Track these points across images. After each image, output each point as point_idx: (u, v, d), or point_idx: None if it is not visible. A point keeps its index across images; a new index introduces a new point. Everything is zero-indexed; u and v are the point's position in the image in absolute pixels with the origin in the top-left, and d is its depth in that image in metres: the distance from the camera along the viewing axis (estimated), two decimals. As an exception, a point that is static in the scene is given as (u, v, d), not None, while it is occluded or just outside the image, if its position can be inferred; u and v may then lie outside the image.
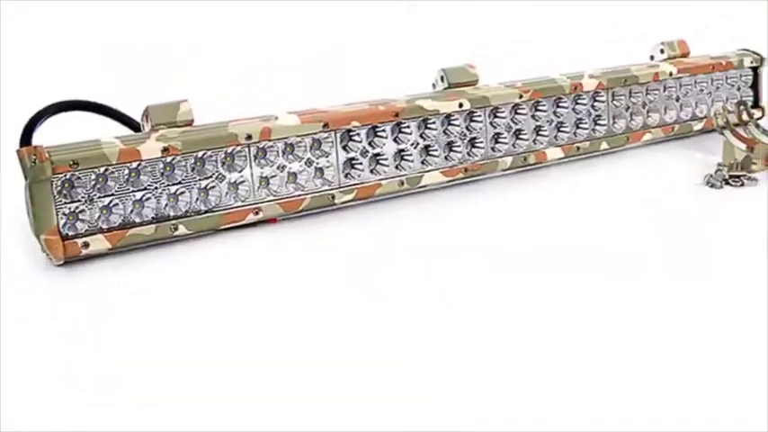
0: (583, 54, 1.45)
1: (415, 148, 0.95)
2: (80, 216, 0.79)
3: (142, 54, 1.53)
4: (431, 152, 0.97)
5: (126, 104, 0.96)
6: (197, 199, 0.85)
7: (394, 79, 1.20)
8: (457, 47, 1.58)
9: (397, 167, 0.95)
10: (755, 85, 1.24)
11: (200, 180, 0.85)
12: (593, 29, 1.73)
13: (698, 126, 1.19)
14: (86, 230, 0.80)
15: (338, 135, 0.91)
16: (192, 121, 0.85)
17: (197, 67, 1.55)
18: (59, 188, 0.78)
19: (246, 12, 1.68)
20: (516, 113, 1.02)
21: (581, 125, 1.07)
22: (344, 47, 1.65)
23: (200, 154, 0.84)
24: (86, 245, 0.79)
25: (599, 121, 1.09)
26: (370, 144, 0.93)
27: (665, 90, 1.15)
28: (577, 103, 1.06)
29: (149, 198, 0.82)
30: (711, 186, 0.97)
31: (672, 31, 1.26)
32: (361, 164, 0.93)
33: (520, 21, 1.77)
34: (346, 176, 0.92)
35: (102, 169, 0.79)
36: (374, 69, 1.56)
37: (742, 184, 0.97)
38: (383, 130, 0.93)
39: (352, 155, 0.92)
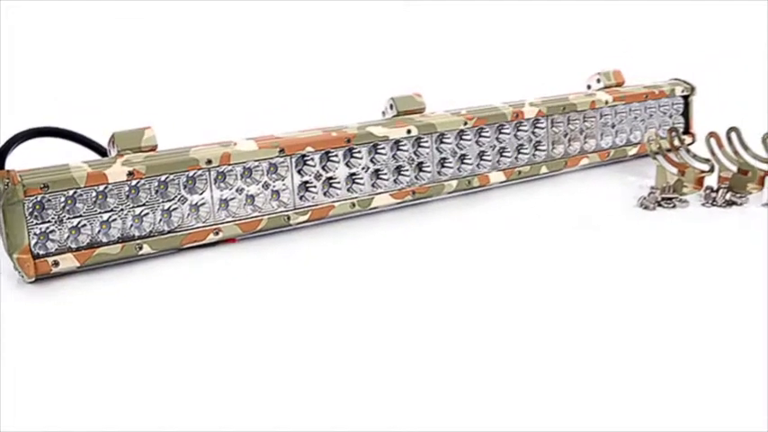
0: (581, 57, 1.48)
1: (365, 171, 0.98)
2: (50, 236, 0.81)
3: (109, 78, 1.53)
4: (381, 176, 1.00)
5: (92, 130, 0.98)
6: (160, 220, 0.87)
7: (350, 102, 1.22)
8: (413, 69, 1.60)
9: (348, 190, 0.98)
10: (686, 113, 1.27)
11: (163, 202, 0.87)
12: (592, 30, 1.75)
13: (632, 151, 1.22)
14: (56, 250, 0.82)
15: (293, 159, 0.93)
16: (156, 146, 0.87)
17: (155, 91, 1.53)
18: (31, 210, 0.80)
19: (211, 32, 1.67)
20: (461, 139, 1.05)
21: (522, 150, 1.10)
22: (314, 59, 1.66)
23: (163, 177, 0.86)
24: (56, 263, 0.81)
25: (539, 147, 1.12)
26: (323, 168, 0.95)
27: (601, 117, 1.18)
28: (519, 130, 1.09)
29: (115, 219, 0.84)
30: (645, 208, 0.99)
31: (671, 33, 1.28)
32: (315, 187, 0.95)
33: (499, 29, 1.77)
34: (301, 199, 0.95)
35: (71, 192, 0.81)
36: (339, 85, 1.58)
37: (674, 206, 0.99)
38: (336, 155, 0.96)
39: (306, 178, 0.94)
